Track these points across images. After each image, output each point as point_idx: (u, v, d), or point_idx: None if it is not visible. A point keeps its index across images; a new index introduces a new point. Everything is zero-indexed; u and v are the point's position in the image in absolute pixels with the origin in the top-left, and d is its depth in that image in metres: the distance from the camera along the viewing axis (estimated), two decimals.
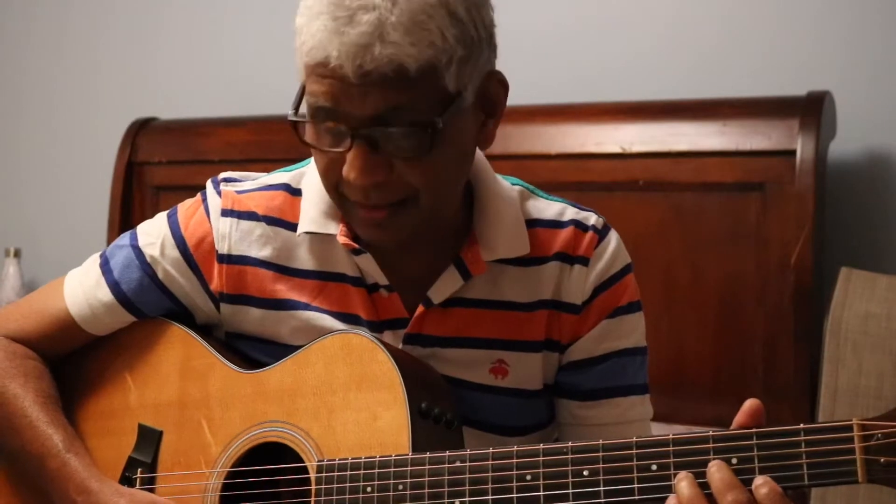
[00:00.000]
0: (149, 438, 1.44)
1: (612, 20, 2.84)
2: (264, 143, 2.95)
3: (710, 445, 1.15)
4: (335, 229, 1.40)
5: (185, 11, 3.42)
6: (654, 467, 1.17)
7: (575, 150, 2.61)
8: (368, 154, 1.26)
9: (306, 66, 1.26)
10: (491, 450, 1.24)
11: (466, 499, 1.23)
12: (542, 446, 1.22)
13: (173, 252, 1.45)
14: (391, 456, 1.27)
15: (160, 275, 1.45)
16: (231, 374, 1.41)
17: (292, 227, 1.43)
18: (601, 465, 1.19)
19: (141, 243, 1.47)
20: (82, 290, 1.48)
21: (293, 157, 1.52)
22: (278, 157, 1.59)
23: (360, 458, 1.28)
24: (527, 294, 1.41)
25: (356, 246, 1.38)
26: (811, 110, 2.38)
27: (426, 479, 1.25)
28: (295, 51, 1.30)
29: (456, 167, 1.33)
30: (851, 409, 2.13)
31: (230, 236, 1.44)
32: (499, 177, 1.46)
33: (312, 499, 1.30)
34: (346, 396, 1.32)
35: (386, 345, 1.33)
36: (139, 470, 1.43)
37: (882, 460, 1.08)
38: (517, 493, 1.21)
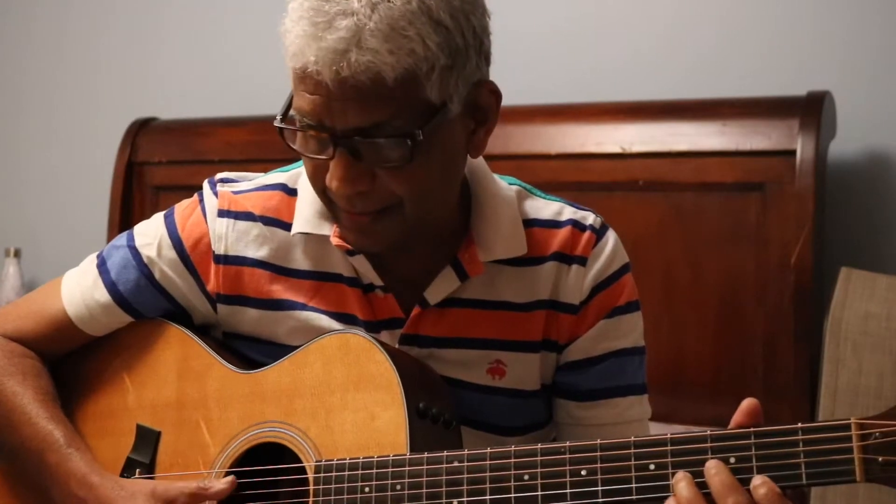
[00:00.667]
0: (147, 439, 1.44)
1: (612, 20, 2.84)
2: (264, 143, 2.95)
3: (708, 445, 1.15)
4: (329, 230, 1.39)
5: (185, 11, 3.42)
6: (651, 467, 1.17)
7: (575, 150, 2.61)
8: (350, 163, 1.25)
9: (292, 71, 1.26)
10: (489, 450, 1.23)
11: (464, 499, 1.23)
12: (539, 446, 1.22)
13: (170, 253, 1.45)
14: (389, 456, 1.27)
15: (157, 275, 1.45)
16: (229, 374, 1.41)
17: (289, 227, 1.43)
18: (599, 465, 1.18)
19: (138, 244, 1.47)
20: (79, 290, 1.48)
21: (293, 158, 1.51)
22: (278, 157, 1.58)
23: (358, 459, 1.28)
24: (524, 294, 1.41)
25: (349, 247, 1.38)
26: (811, 110, 2.38)
27: (424, 479, 1.25)
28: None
29: (441, 176, 1.32)
30: (851, 408, 2.12)
31: (227, 237, 1.44)
32: (496, 177, 1.46)
33: (311, 499, 1.30)
34: (344, 397, 1.32)
35: (384, 345, 1.33)
36: (137, 470, 1.43)
37: (880, 459, 1.07)
38: (515, 493, 1.21)
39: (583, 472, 1.19)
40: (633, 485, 1.17)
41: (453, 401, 1.38)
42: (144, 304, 1.47)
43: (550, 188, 1.53)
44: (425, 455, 1.25)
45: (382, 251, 1.37)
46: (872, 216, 2.56)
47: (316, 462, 1.31)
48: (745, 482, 1.12)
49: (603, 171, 2.57)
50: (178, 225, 1.46)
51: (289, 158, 1.55)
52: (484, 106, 1.32)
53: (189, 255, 1.45)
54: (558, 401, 1.46)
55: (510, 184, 1.46)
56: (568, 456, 1.20)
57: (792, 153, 2.36)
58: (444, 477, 1.24)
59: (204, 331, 1.48)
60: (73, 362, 1.52)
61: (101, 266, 1.48)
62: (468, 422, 1.40)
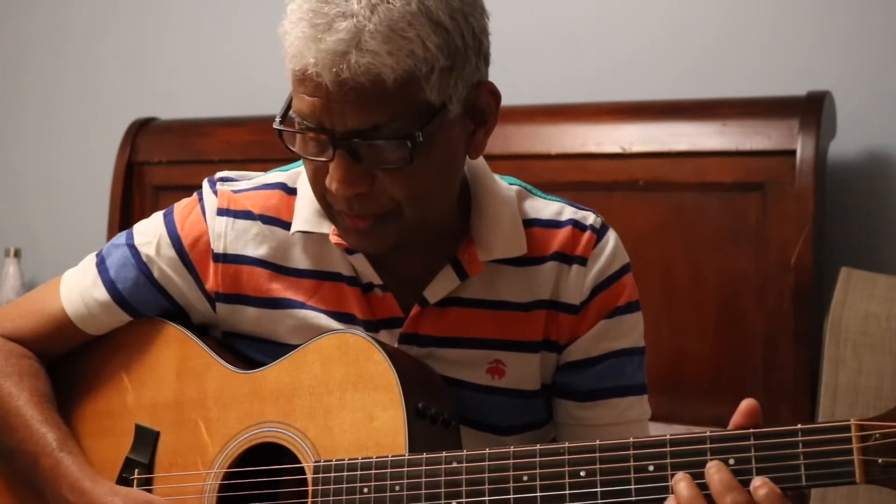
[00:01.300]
0: (145, 439, 1.44)
1: (612, 20, 2.84)
2: (264, 143, 2.94)
3: (708, 446, 1.15)
4: (328, 228, 1.39)
5: (186, 11, 3.41)
6: (651, 468, 1.16)
7: (575, 150, 2.60)
8: (349, 165, 1.25)
9: (292, 73, 1.25)
10: (488, 450, 1.23)
11: (463, 499, 1.23)
12: (538, 447, 1.22)
13: (169, 251, 1.45)
14: (388, 456, 1.27)
15: (156, 274, 1.45)
16: (227, 374, 1.41)
17: (288, 226, 1.43)
18: (598, 466, 1.18)
19: (137, 242, 1.47)
20: (79, 289, 1.48)
21: (293, 158, 1.51)
22: (278, 157, 1.58)
23: (357, 459, 1.28)
24: (524, 294, 1.41)
25: (348, 246, 1.38)
26: (811, 110, 2.38)
27: (423, 479, 1.24)
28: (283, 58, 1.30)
29: (440, 177, 1.32)
30: (851, 409, 2.12)
31: (226, 235, 1.44)
32: (497, 177, 1.46)
33: (309, 500, 1.30)
34: (343, 397, 1.32)
35: (382, 344, 1.33)
36: (136, 471, 1.42)
37: (880, 461, 1.07)
38: (514, 493, 1.21)
39: (582, 473, 1.19)
40: (633, 486, 1.17)
41: (453, 401, 1.38)
42: (143, 303, 1.47)
43: (550, 188, 1.53)
44: (424, 455, 1.25)
45: (382, 253, 1.37)
46: (872, 216, 2.56)
47: (315, 462, 1.31)
48: (745, 483, 1.12)
49: (603, 171, 2.57)
50: (177, 223, 1.46)
51: (289, 158, 1.54)
52: (483, 107, 1.32)
53: (188, 254, 1.44)
54: (558, 401, 1.46)
55: (510, 184, 1.46)
56: (567, 457, 1.20)
57: (792, 153, 2.36)
58: (443, 478, 1.24)
59: (203, 330, 1.48)
60: (72, 362, 1.51)
61: (100, 265, 1.48)
62: (467, 422, 1.40)
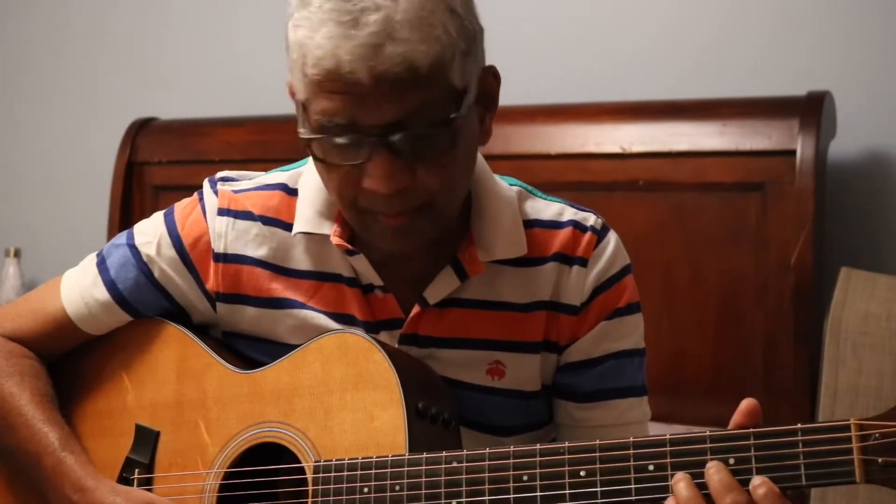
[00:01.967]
0: (146, 439, 1.44)
1: (612, 20, 2.84)
2: (264, 143, 2.95)
3: (707, 446, 1.15)
4: (329, 229, 1.39)
5: (186, 11, 3.42)
6: (650, 468, 1.16)
7: (575, 150, 2.61)
8: (391, 161, 1.24)
9: (313, 81, 1.23)
10: (488, 450, 1.23)
11: (463, 499, 1.23)
12: (538, 447, 1.22)
13: (169, 251, 1.45)
14: (388, 456, 1.27)
15: (156, 274, 1.45)
16: (228, 374, 1.41)
17: (288, 226, 1.43)
18: (598, 466, 1.18)
19: (137, 242, 1.47)
20: (79, 289, 1.48)
21: (293, 157, 1.52)
22: (278, 157, 1.59)
23: (357, 459, 1.28)
24: (524, 295, 1.41)
25: (349, 247, 1.38)
26: (811, 110, 2.38)
27: (423, 479, 1.24)
28: (290, 68, 1.28)
29: (466, 166, 1.33)
30: (851, 409, 2.12)
31: (226, 235, 1.44)
32: (497, 177, 1.46)
33: (309, 500, 1.29)
34: (343, 397, 1.32)
35: (383, 344, 1.33)
36: (136, 470, 1.42)
37: (880, 460, 1.07)
38: (514, 493, 1.21)
39: (582, 473, 1.19)
40: (633, 486, 1.17)
41: (453, 401, 1.37)
42: (144, 303, 1.47)
43: (550, 188, 1.53)
44: (424, 455, 1.25)
45: (417, 251, 1.36)
46: (872, 216, 2.56)
47: (315, 462, 1.31)
48: (745, 483, 1.12)
49: (603, 171, 2.57)
50: (177, 223, 1.46)
51: (289, 159, 1.55)
52: (490, 91, 1.34)
53: (188, 254, 1.44)
54: (558, 402, 1.46)
55: (511, 184, 1.46)
56: (567, 457, 1.20)
57: (792, 153, 2.36)
58: (443, 477, 1.24)
59: (203, 330, 1.48)
60: (72, 362, 1.51)
61: (101, 265, 1.48)
62: (467, 423, 1.40)
